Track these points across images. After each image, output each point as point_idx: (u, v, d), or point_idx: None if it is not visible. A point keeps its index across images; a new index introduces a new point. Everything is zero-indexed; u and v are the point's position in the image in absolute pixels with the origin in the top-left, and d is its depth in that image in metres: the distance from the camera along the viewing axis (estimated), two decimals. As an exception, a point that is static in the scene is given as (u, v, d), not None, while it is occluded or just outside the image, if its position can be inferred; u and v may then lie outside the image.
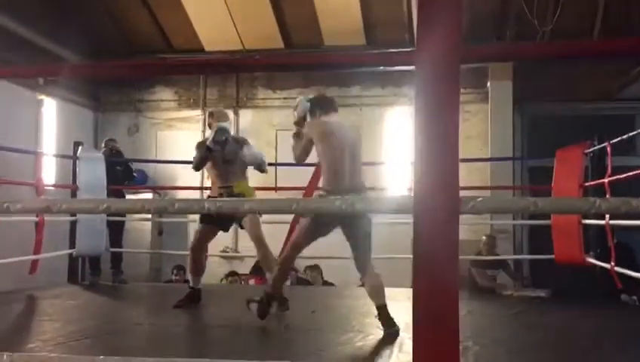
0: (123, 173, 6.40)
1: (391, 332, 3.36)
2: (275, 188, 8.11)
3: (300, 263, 7.36)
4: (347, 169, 3.52)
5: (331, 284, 7.15)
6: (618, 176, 4.58)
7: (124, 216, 6.41)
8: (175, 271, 7.64)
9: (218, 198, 4.11)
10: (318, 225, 3.52)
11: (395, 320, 3.41)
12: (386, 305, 3.45)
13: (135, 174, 6.74)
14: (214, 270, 8.12)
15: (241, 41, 8.64)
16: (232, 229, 8.81)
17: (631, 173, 4.41)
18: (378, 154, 8.44)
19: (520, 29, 7.66)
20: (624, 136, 4.81)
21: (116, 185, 6.04)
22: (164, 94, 9.59)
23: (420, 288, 1.30)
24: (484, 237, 6.51)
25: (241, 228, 4.57)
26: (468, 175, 7.55)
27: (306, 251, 3.70)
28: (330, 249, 6.81)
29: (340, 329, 3.65)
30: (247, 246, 8.84)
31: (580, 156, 5.13)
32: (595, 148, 5.14)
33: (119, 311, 4.76)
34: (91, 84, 9.39)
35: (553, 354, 2.99)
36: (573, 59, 7.60)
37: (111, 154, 6.41)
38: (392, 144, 8.61)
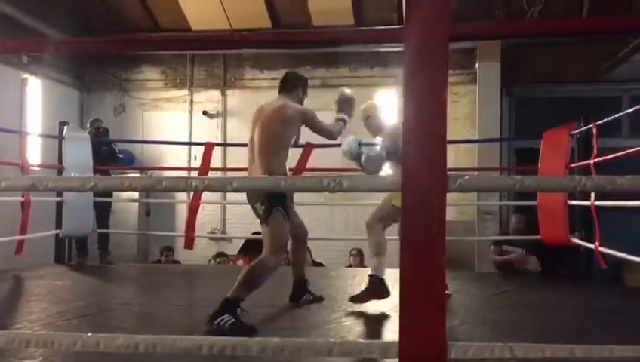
0: (107, 154, 6.34)
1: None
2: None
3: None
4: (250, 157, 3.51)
5: (320, 265, 7.18)
6: (604, 158, 4.62)
7: (111, 197, 6.38)
8: (163, 252, 7.63)
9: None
10: None
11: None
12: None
13: (120, 155, 6.67)
14: (202, 251, 8.13)
15: (229, 21, 8.55)
16: (219, 208, 8.88)
17: (616, 155, 4.45)
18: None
19: (509, 9, 7.65)
20: (610, 118, 4.83)
21: (103, 165, 5.99)
22: (151, 74, 9.50)
23: (407, 266, 1.30)
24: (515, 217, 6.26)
25: None
26: (456, 156, 7.60)
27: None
28: (319, 230, 6.83)
29: (327, 309, 3.67)
30: (235, 227, 8.92)
31: (567, 138, 5.16)
32: (582, 129, 5.17)
33: (107, 291, 4.75)
34: (76, 63, 9.27)
35: (537, 332, 3.03)
36: (561, 41, 7.62)
37: (97, 134, 6.34)
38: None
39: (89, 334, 1.37)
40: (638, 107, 4.46)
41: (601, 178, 1.22)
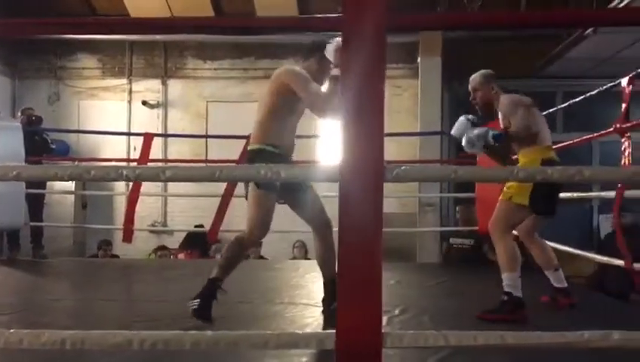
0: (40, 144, 6.08)
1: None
2: (206, 161, 8.01)
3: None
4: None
5: (263, 258, 7.16)
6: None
7: (44, 188, 6.14)
8: (101, 246, 7.40)
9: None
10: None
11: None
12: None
13: (53, 145, 6.40)
14: (142, 245, 7.95)
15: (169, 8, 8.35)
16: (160, 201, 8.69)
17: (550, 148, 4.59)
18: (312, 127, 8.43)
19: (450, 7, 7.82)
20: (544, 113, 4.99)
21: (36, 155, 5.74)
22: (87, 62, 9.17)
23: (344, 257, 1.30)
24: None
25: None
26: (398, 149, 7.70)
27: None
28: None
29: (270, 302, 3.66)
30: (176, 220, 8.75)
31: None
32: (518, 123, 5.31)
33: (39, 287, 4.57)
34: (7, 49, 8.85)
35: (474, 320, 3.11)
36: (499, 37, 7.85)
37: (30, 123, 6.07)
38: (325, 117, 8.61)
39: (11, 330, 1.30)
40: (570, 102, 4.64)
41: (532, 169, 1.25)
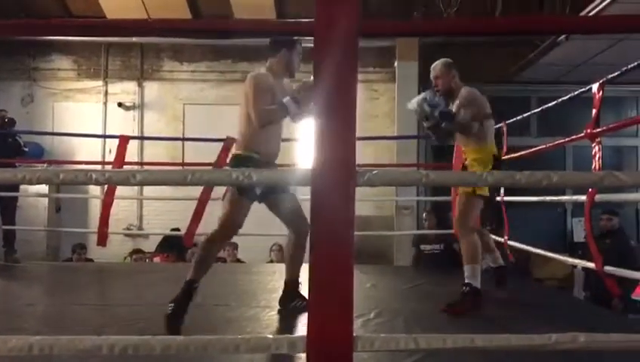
0: (13, 146, 5.98)
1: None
2: (182, 164, 7.95)
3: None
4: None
5: (240, 261, 7.13)
6: (512, 155, 4.83)
7: (17, 191, 6.04)
8: (76, 250, 7.29)
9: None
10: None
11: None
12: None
13: (25, 148, 6.30)
14: (117, 248, 7.86)
15: (146, 10, 8.28)
16: (136, 204, 8.58)
17: (524, 152, 4.66)
18: (290, 130, 8.43)
19: (426, 12, 7.90)
20: (518, 117, 5.07)
21: (9, 158, 5.65)
22: (62, 63, 9.05)
23: (315, 261, 1.30)
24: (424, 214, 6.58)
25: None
26: (375, 152, 7.74)
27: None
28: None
29: (246, 305, 3.64)
30: (152, 223, 8.67)
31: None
32: (492, 128, 5.39)
33: (11, 291, 4.49)
34: (-21, 50, 8.70)
35: (445, 321, 3.14)
36: (474, 43, 7.94)
37: (3, 125, 5.97)
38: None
39: (-24, 337, 1.28)
40: (543, 107, 4.70)
41: (500, 173, 1.27)
